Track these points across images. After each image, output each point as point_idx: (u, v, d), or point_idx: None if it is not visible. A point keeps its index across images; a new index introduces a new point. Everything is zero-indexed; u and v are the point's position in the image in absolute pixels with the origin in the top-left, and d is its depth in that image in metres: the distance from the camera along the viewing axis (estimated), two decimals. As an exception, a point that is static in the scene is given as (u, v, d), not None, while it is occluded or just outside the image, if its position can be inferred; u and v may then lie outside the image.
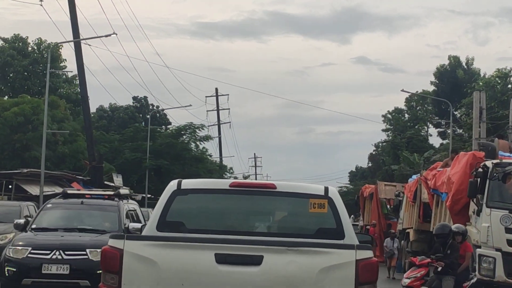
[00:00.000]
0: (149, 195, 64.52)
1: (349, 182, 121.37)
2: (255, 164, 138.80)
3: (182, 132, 66.75)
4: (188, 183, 9.04)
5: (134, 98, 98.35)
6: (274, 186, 8.81)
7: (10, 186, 41.05)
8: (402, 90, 54.38)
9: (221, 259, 7.80)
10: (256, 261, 7.79)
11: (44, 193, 40.73)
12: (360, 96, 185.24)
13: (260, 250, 7.86)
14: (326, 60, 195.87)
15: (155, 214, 8.71)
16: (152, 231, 8.47)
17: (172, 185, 8.93)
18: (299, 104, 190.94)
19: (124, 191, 22.27)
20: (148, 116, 75.74)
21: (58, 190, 43.29)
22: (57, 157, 53.88)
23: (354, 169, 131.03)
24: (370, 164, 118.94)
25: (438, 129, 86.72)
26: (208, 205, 9.00)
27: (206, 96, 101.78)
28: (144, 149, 62.88)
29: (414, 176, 34.53)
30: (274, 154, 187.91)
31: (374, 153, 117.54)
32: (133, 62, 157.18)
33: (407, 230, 32.03)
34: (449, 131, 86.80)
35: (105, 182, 52.45)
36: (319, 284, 7.80)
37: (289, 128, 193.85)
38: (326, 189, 8.89)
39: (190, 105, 61.84)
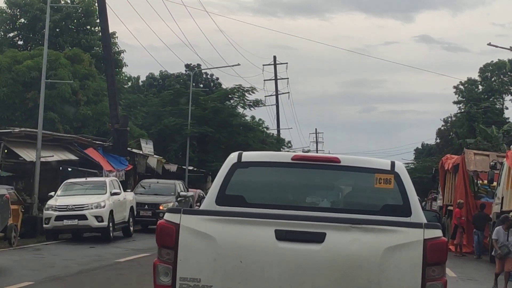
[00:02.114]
0: (190, 167, 55.07)
1: (413, 160, 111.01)
2: (316, 139, 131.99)
3: (230, 96, 56.80)
4: (249, 156, 8.38)
5: (187, 66, 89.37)
6: (338, 160, 8.14)
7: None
8: (489, 44, 43.50)
9: (282, 235, 7.07)
10: (318, 238, 7.06)
11: (41, 159, 31.34)
12: (423, 75, 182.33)
13: (323, 227, 7.11)
14: (388, 39, 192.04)
15: (214, 187, 8.10)
16: (211, 205, 7.96)
17: (232, 157, 8.27)
18: (361, 83, 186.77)
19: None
20: (191, 73, 66.10)
21: (64, 156, 33.98)
22: (78, 120, 44.55)
23: (420, 146, 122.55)
24: (438, 140, 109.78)
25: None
26: (269, 179, 8.40)
27: (263, 65, 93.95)
28: (186, 115, 53.45)
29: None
30: (336, 132, 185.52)
31: (442, 128, 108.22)
32: (193, 39, 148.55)
33: (513, 214, 21.68)
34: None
35: (133, 150, 43.03)
36: (384, 264, 7.02)
37: (351, 106, 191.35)
38: (393, 164, 8.18)
39: (239, 64, 52.20)
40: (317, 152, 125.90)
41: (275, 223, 7.16)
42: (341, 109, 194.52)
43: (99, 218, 27.10)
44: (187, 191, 36.90)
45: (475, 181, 31.45)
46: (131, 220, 30.20)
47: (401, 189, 8.01)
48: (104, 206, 27.34)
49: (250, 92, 56.25)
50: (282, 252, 7.08)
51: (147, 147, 43.25)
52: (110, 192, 28.20)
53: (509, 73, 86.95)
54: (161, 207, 33.17)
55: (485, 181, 31.10)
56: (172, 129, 54.00)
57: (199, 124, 53.75)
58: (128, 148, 42.27)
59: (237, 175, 8.10)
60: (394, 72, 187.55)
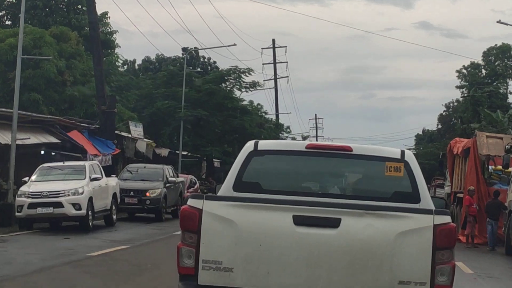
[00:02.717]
0: (184, 152, 52.38)
1: (414, 146, 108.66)
2: (316, 125, 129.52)
3: (226, 78, 53.90)
4: (265, 144, 8.67)
5: (184, 49, 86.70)
6: (350, 148, 8.46)
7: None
8: (499, 22, 40.78)
9: (299, 220, 7.42)
10: (334, 223, 7.41)
11: (17, 141, 28.66)
12: (423, 62, 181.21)
13: (338, 212, 7.45)
14: (388, 25, 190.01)
15: (231, 174, 8.34)
16: (229, 191, 8.22)
17: (249, 145, 8.52)
18: (362, 69, 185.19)
19: None
20: (186, 55, 63.37)
21: (45, 139, 31.30)
22: (63, 101, 41.80)
23: (420, 132, 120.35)
24: (439, 126, 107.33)
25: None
26: (284, 166, 8.67)
27: (262, 48, 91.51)
28: (179, 97, 50.72)
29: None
30: (335, 119, 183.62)
31: (444, 114, 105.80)
32: (193, 25, 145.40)
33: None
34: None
35: (121, 133, 40.37)
36: (396, 248, 7.35)
37: (351, 93, 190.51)
38: (403, 153, 8.51)
39: (234, 44, 49.34)
40: (316, 139, 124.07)
41: (293, 209, 7.45)
42: (341, 95, 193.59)
43: (76, 206, 24.44)
44: (177, 176, 34.17)
45: (486, 166, 28.77)
46: (113, 207, 27.52)
47: (410, 176, 8.24)
48: (82, 193, 24.67)
49: (246, 73, 53.46)
50: (299, 236, 7.36)
51: (137, 130, 40.56)
52: (90, 178, 25.52)
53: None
54: (147, 194, 30.53)
55: (498, 166, 28.45)
56: (165, 112, 51.27)
57: (193, 107, 51.02)
58: (116, 131, 39.63)
59: (253, 162, 8.35)
60: (394, 59, 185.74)
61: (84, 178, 25.38)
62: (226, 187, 8.31)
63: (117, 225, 27.60)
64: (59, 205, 24.25)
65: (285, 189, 8.34)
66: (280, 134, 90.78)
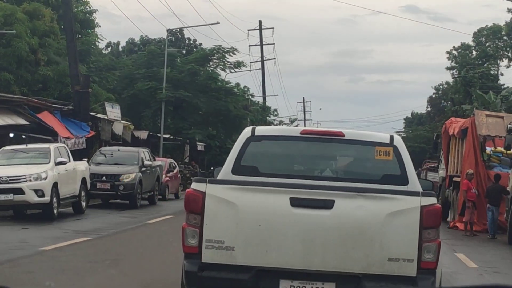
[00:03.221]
0: (166, 135, 50.03)
1: (404, 129, 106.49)
2: (304, 108, 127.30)
3: (209, 58, 51.36)
4: (262, 130, 9.12)
5: (169, 30, 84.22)
6: (342, 134, 8.84)
7: None
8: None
9: (296, 202, 7.82)
10: (328, 205, 7.82)
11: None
12: (410, 46, 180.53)
13: (332, 195, 7.86)
14: (375, 9, 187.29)
15: (230, 158, 8.69)
16: (228, 174, 8.53)
17: (247, 131, 8.90)
18: (349, 53, 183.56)
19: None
20: (171, 36, 60.90)
21: (11, 120, 28.92)
22: (37, 81, 39.27)
23: (409, 115, 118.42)
24: (429, 109, 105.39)
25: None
26: (280, 151, 9.11)
27: (248, 30, 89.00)
28: (161, 78, 48.28)
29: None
30: (323, 103, 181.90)
31: (434, 96, 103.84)
32: (180, 10, 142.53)
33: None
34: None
35: (97, 115, 37.96)
36: (386, 227, 7.76)
37: (339, 76, 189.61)
38: (392, 138, 8.89)
39: (218, 23, 46.97)
40: (304, 122, 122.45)
41: (290, 191, 7.87)
42: (328, 79, 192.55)
43: (39, 192, 22.05)
44: (154, 160, 31.80)
45: (484, 147, 26.54)
46: (83, 194, 25.16)
47: (399, 160, 8.59)
48: (45, 178, 22.27)
49: (230, 53, 50.98)
50: (296, 217, 7.79)
51: (113, 112, 38.11)
52: (55, 161, 23.14)
53: (505, 37, 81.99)
54: (121, 179, 28.16)
55: (498, 148, 26.25)
56: (146, 94, 48.88)
57: (175, 88, 48.62)
58: (92, 113, 37.22)
59: (251, 147, 8.69)
60: (382, 43, 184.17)
61: (49, 162, 23.01)
62: (225, 171, 8.61)
63: (87, 213, 25.26)
64: (20, 191, 21.89)
65: (281, 172, 8.67)
66: (267, 117, 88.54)
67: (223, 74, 55.12)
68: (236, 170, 8.55)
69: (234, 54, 51.10)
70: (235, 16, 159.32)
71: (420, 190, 8.25)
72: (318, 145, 8.99)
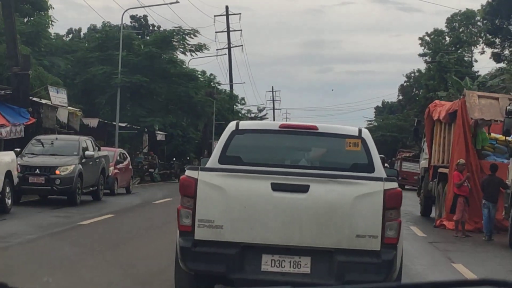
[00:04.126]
0: (122, 124, 45.97)
1: (374, 118, 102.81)
2: (273, 98, 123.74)
3: (169, 40, 47.10)
4: (245, 124, 10.12)
5: (132, 17, 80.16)
6: (316, 128, 9.72)
7: None
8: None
9: (276, 187, 8.62)
10: (304, 189, 8.61)
11: None
12: (380, 36, 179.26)
13: (308, 180, 8.65)
14: None
15: (217, 149, 9.60)
16: (215, 164, 9.41)
17: (231, 125, 9.78)
18: (318, 44, 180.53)
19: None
20: (132, 22, 56.87)
21: None
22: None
23: (380, 105, 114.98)
24: (400, 97, 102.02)
25: (493, 50, 66.72)
26: (261, 143, 10.02)
27: (215, 15, 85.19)
28: (116, 62, 44.13)
29: None
30: (293, 92, 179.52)
31: (405, 84, 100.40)
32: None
33: None
34: (506, 52, 68.05)
35: (41, 100, 33.76)
36: (354, 208, 8.56)
37: (308, 67, 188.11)
38: (360, 131, 9.75)
39: (177, 1, 42.69)
40: (273, 112, 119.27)
41: (271, 177, 8.71)
42: (298, 69, 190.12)
43: None
44: (99, 149, 27.65)
45: (476, 133, 22.80)
46: (7, 190, 21.09)
47: (366, 151, 9.48)
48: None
49: (191, 35, 46.85)
50: (276, 200, 8.63)
51: (58, 97, 33.86)
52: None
53: (479, 23, 78.62)
54: (57, 172, 24.08)
55: (493, 134, 22.56)
56: (101, 79, 44.75)
57: (132, 73, 44.50)
58: (35, 98, 33.11)
59: (235, 140, 9.60)
60: (350, 33, 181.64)
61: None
62: (212, 161, 9.56)
63: (13, 212, 21.20)
64: None
65: (262, 161, 9.59)
66: (234, 106, 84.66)
67: (187, 61, 51.15)
68: (222, 159, 9.42)
69: (196, 36, 47.12)
70: (203, 2, 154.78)
71: (385, 176, 9.02)
72: (295, 137, 9.86)
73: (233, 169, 8.93)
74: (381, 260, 8.47)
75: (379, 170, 9.36)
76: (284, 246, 8.61)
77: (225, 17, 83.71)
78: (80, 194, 24.86)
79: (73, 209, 23.21)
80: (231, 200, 8.61)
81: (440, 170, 23.98)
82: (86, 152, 25.54)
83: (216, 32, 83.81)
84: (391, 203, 8.52)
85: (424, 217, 26.63)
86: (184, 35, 46.65)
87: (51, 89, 33.63)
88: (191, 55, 47.73)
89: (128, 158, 32.97)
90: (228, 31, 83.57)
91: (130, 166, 32.96)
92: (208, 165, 9.47)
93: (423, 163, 27.78)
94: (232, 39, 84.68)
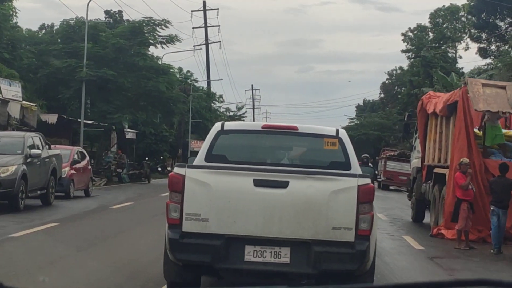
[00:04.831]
0: (89, 121, 42.57)
1: (356, 116, 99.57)
2: (253, 96, 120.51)
3: (138, 31, 43.53)
4: (230, 125, 10.60)
5: (107, 12, 76.57)
6: (296, 128, 10.18)
7: None
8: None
9: (258, 183, 9.05)
10: (284, 185, 9.02)
11: None
12: (360, 36, 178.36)
13: (287, 177, 9.07)
14: None
15: (203, 148, 10.06)
16: (201, 162, 9.86)
17: (217, 126, 10.28)
18: (298, 43, 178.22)
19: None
20: (107, 17, 53.50)
21: None
22: None
23: (361, 103, 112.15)
24: (382, 95, 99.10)
25: (479, 45, 63.63)
26: (245, 142, 10.41)
27: (192, 11, 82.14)
28: (82, 54, 40.66)
29: None
30: (273, 91, 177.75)
31: (387, 82, 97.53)
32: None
33: None
34: (492, 47, 64.97)
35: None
36: (330, 203, 8.94)
37: (288, 66, 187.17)
38: (337, 131, 10.18)
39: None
40: (253, 110, 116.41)
41: (253, 174, 9.12)
42: (278, 69, 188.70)
43: None
44: (49, 148, 24.09)
45: (482, 126, 19.63)
46: None
47: (343, 150, 9.91)
48: None
49: (162, 26, 43.35)
50: (258, 195, 9.02)
51: (11, 90, 30.33)
52: None
53: (463, 18, 75.67)
54: (-3, 173, 20.66)
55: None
56: (65, 72, 41.23)
57: (98, 66, 41.04)
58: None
59: (220, 139, 10.05)
60: (330, 33, 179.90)
61: None
62: (199, 159, 9.95)
63: None
64: None
65: (245, 160, 9.91)
66: (212, 104, 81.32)
67: (162, 55, 47.71)
68: (208, 158, 9.90)
69: (167, 27, 43.56)
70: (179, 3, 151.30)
71: (360, 173, 9.39)
72: (277, 137, 10.34)
73: (218, 166, 9.31)
74: (355, 250, 8.86)
75: (355, 167, 9.81)
76: (265, 238, 9.03)
77: (202, 12, 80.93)
78: (24, 198, 21.45)
79: (12, 216, 19.75)
80: (216, 195, 9.00)
81: (436, 170, 20.76)
82: (32, 151, 22.09)
83: (193, 28, 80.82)
84: (365, 197, 8.93)
85: (416, 223, 23.40)
86: (154, 26, 43.16)
87: (2, 81, 30.13)
88: (162, 47, 44.29)
89: (87, 158, 29.42)
90: (206, 27, 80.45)
91: (90, 166, 29.45)
92: (195, 163, 9.92)
93: (415, 162, 24.49)
94: (210, 35, 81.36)
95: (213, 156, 9.84)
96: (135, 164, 46.78)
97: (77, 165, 27.69)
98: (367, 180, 9.06)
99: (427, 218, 23.44)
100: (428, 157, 21.84)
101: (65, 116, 42.72)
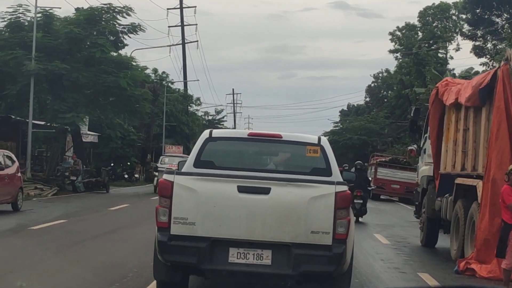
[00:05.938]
0: (41, 122, 36.79)
1: (340, 121, 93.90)
2: (234, 100, 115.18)
3: (97, 19, 37.75)
4: (218, 132, 10.79)
5: (77, 9, 70.86)
6: (280, 136, 10.43)
7: None
8: None
9: (242, 189, 9.33)
10: (266, 191, 9.31)
11: None
12: (342, 42, 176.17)
13: (269, 183, 9.37)
14: (307, 5, 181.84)
15: (192, 155, 10.36)
16: (190, 167, 10.13)
17: (205, 134, 10.51)
18: (281, 49, 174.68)
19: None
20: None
21: None
22: None
23: (345, 108, 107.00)
24: (367, 99, 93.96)
25: (474, 43, 58.32)
26: (232, 149, 10.77)
27: (168, 9, 76.72)
28: (30, 45, 34.94)
29: None
30: (255, 98, 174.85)
31: (373, 85, 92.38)
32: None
33: None
34: (488, 46, 59.63)
35: None
36: (309, 208, 9.21)
37: (271, 72, 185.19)
38: (319, 139, 10.47)
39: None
40: (234, 115, 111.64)
41: (238, 180, 9.40)
42: (260, 75, 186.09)
43: None
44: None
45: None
46: None
47: (325, 157, 10.19)
48: None
49: (124, 14, 37.68)
50: (241, 200, 9.29)
51: None
52: None
53: (454, 16, 70.57)
54: None
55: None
56: (11, 66, 35.49)
57: (50, 59, 35.31)
58: None
59: (208, 146, 10.30)
60: (314, 39, 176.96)
61: None
62: (188, 165, 10.20)
63: None
64: None
65: (232, 166, 10.21)
66: (188, 106, 75.75)
67: (130, 51, 41.99)
68: (196, 164, 10.11)
69: (129, 15, 37.87)
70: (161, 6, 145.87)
71: (340, 180, 9.73)
72: (262, 144, 10.58)
73: (204, 173, 9.58)
74: (332, 253, 9.12)
75: (336, 174, 10.04)
76: (248, 241, 9.29)
77: (179, 10, 75.54)
78: None
79: None
80: (202, 200, 9.27)
81: (460, 180, 15.16)
82: None
83: (169, 27, 75.42)
84: (342, 203, 9.18)
85: (428, 248, 17.85)
86: (114, 14, 37.46)
87: None
88: (123, 38, 38.54)
89: (16, 163, 23.53)
90: (182, 25, 75.08)
91: (19, 174, 23.62)
92: (184, 169, 10.19)
93: (425, 170, 18.71)
94: (187, 34, 75.98)
95: (202, 162, 10.18)
96: (93, 171, 40.86)
97: (2, 172, 21.93)
98: (344, 187, 9.34)
99: (441, 241, 17.93)
100: (446, 163, 16.21)
101: (12, 116, 37.02)
